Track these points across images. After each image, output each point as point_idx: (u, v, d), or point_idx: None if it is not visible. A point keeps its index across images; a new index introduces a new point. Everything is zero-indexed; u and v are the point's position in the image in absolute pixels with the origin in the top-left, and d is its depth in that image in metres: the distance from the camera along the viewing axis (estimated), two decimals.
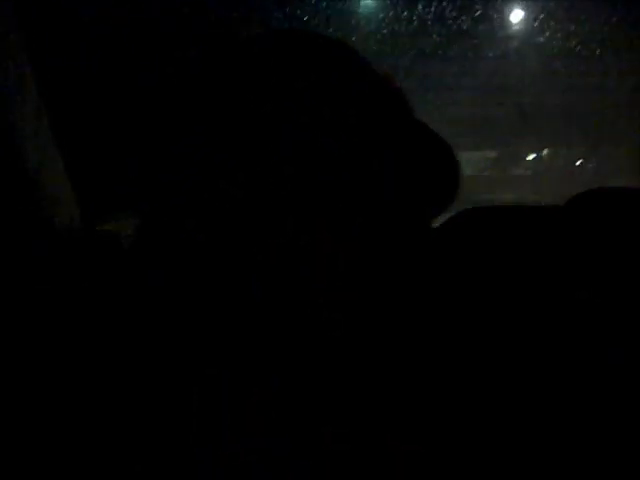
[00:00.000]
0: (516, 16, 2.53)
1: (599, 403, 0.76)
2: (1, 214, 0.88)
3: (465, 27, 2.47)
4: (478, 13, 2.44)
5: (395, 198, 0.64)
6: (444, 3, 2.38)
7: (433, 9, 2.40)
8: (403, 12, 2.43)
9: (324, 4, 2.28)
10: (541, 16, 2.48)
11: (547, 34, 2.49)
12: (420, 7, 2.39)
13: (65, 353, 0.65)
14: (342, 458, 0.64)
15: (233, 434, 0.62)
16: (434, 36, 2.49)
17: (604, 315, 0.81)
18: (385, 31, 2.46)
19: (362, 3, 2.44)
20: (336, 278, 0.63)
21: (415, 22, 2.44)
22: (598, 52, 2.51)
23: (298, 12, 2.23)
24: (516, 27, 2.54)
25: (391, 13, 2.43)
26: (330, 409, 0.65)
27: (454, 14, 2.42)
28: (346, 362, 0.66)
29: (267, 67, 0.62)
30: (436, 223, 0.92)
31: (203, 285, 0.61)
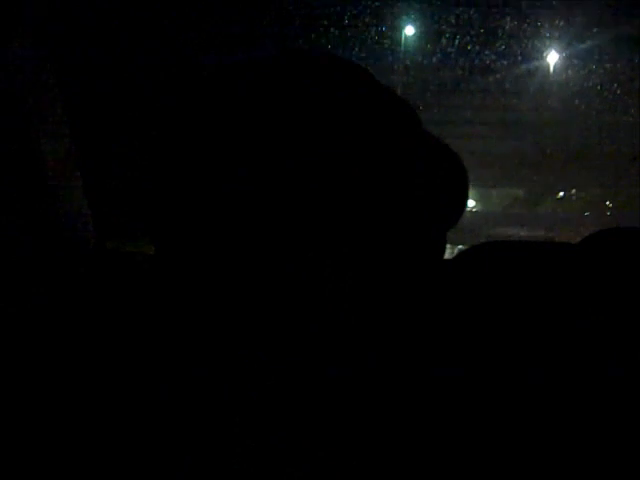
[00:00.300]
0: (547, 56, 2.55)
1: (597, 420, 0.76)
2: (20, 228, 0.89)
3: (488, 62, 2.48)
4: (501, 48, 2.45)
5: (406, 213, 0.65)
6: (467, 38, 2.39)
7: (457, 42, 2.41)
8: (427, 44, 2.45)
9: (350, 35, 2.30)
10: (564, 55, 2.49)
11: (569, 72, 2.50)
12: (444, 41, 2.41)
13: (69, 360, 0.65)
14: (339, 461, 0.64)
15: (231, 434, 0.62)
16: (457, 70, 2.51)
17: (605, 345, 0.80)
18: (408, 62, 2.48)
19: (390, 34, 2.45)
20: (341, 299, 0.64)
21: (439, 55, 2.46)
22: (619, 92, 2.51)
23: (322, 41, 2.25)
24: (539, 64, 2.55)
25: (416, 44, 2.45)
26: (327, 415, 0.65)
27: (477, 48, 2.43)
28: (347, 374, 0.66)
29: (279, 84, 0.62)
30: (451, 256, 0.92)
31: (219, 293, 0.62)
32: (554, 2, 2.35)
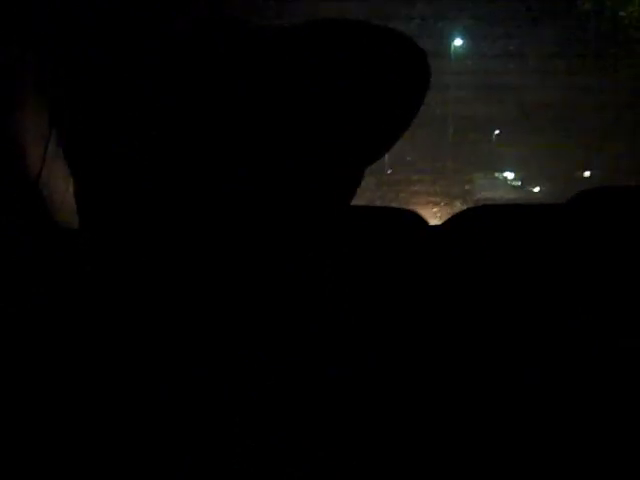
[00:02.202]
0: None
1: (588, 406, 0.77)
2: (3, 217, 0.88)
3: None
4: None
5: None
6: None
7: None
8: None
9: None
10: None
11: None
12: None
13: (61, 353, 0.64)
14: (339, 461, 0.65)
15: (231, 434, 0.62)
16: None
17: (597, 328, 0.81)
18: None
19: None
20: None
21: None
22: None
23: None
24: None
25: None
26: (327, 415, 0.65)
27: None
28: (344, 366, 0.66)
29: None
30: (440, 221, 0.92)
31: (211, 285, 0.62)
32: None
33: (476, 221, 0.91)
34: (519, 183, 5.31)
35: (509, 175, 5.32)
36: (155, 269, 0.62)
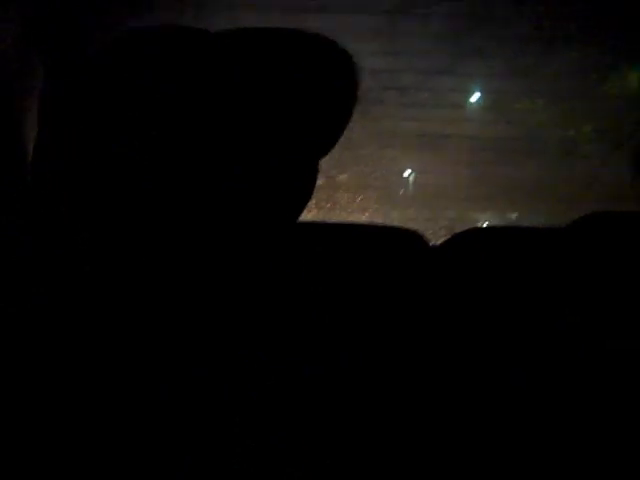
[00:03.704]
0: None
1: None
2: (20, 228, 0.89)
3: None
4: None
5: None
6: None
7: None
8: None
9: None
10: None
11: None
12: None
13: (59, 352, 0.65)
14: (338, 461, 0.64)
15: (231, 433, 0.62)
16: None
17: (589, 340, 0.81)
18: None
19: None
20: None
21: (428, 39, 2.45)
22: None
23: None
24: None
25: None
26: (327, 415, 0.65)
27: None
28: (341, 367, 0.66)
29: None
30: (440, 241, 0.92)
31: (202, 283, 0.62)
32: None
33: (477, 242, 0.92)
34: None
35: None
36: (153, 268, 0.62)
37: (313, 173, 0.67)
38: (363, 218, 2.61)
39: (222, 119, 0.62)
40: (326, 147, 0.67)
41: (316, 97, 0.65)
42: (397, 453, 0.69)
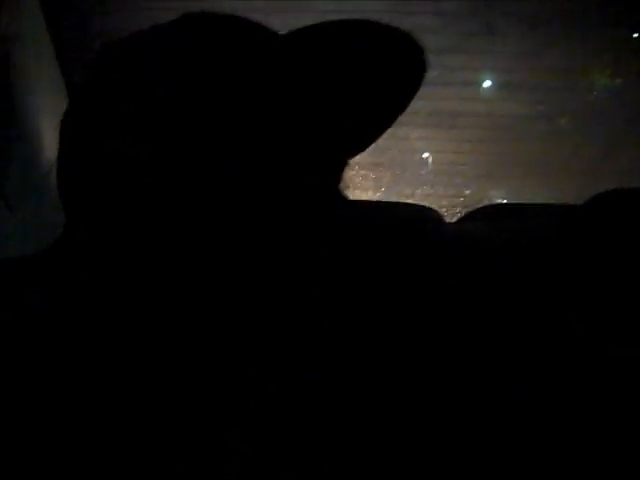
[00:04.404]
0: None
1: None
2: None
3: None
4: None
5: None
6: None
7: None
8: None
9: None
10: None
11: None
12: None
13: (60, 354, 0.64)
14: (337, 469, 0.64)
15: (228, 442, 0.62)
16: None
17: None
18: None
19: None
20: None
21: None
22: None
23: None
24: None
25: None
26: (325, 423, 0.65)
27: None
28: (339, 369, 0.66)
29: None
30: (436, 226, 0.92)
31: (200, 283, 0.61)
32: None
33: (491, 217, 0.91)
34: None
35: None
36: (149, 271, 0.61)
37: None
38: (377, 196, 2.60)
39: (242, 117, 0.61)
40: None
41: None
42: (396, 461, 0.69)
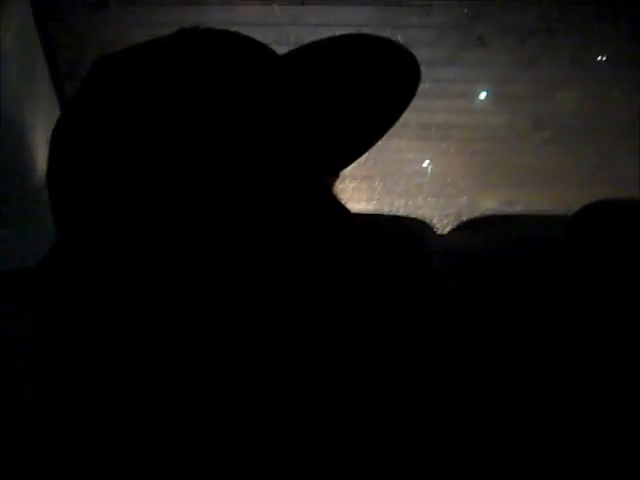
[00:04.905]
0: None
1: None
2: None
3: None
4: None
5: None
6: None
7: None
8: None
9: None
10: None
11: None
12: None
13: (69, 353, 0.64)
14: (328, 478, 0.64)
15: (222, 455, 0.62)
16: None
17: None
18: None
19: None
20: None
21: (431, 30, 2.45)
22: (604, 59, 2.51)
23: None
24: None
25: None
26: (319, 435, 0.65)
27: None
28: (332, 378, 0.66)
29: None
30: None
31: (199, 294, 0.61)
32: None
33: (484, 227, 0.91)
34: None
35: None
36: (142, 284, 0.61)
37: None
38: (370, 207, 2.60)
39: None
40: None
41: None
42: (389, 474, 0.70)
